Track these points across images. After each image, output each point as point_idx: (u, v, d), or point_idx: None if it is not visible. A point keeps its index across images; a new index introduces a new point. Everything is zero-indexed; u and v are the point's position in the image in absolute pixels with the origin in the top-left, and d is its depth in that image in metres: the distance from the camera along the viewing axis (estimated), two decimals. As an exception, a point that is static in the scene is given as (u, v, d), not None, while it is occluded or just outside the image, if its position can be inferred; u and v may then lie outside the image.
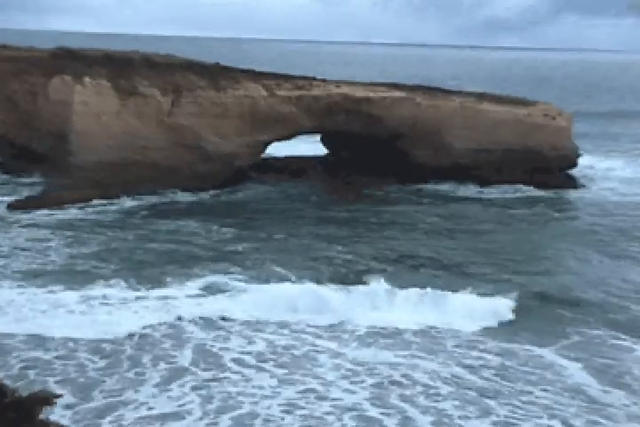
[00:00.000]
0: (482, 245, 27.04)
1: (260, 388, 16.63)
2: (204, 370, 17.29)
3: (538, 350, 18.77)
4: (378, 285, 21.74)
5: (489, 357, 18.44)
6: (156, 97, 32.89)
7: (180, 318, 19.92)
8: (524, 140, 37.87)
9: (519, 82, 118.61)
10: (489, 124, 37.78)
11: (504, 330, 19.88)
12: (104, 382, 16.69)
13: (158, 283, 22.09)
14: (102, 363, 17.52)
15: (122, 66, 33.20)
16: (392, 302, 21.00)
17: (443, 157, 37.63)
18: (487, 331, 19.81)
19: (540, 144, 37.96)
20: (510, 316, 20.56)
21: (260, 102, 34.92)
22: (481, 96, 40.03)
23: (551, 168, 38.03)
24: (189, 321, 19.87)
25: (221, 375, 17.05)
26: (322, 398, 16.30)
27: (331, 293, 21.44)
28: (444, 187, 37.26)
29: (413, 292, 21.36)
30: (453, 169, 37.57)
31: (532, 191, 37.00)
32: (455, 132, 37.46)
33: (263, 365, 17.71)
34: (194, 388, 16.55)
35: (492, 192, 36.78)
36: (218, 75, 35.39)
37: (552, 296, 22.13)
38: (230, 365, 17.63)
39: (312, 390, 16.56)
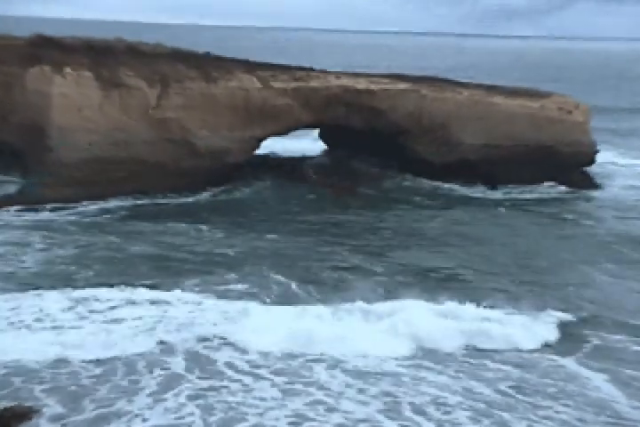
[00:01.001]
0: (490, 254, 26.69)
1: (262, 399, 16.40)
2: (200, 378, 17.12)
3: (559, 359, 18.68)
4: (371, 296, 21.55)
5: (506, 368, 18.26)
6: (142, 88, 32.77)
7: (162, 342, 18.73)
8: (537, 135, 37.79)
9: (532, 73, 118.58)
10: (499, 118, 37.73)
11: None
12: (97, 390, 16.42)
13: (145, 291, 21.67)
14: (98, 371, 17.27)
15: (105, 55, 33.01)
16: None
17: (449, 154, 37.55)
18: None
19: (555, 140, 37.92)
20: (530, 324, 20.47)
21: (253, 94, 34.85)
22: (491, 88, 39.98)
23: (567, 165, 38.00)
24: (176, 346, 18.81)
25: (219, 384, 16.85)
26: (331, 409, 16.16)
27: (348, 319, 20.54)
28: (450, 185, 37.18)
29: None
30: (461, 166, 37.48)
31: (545, 191, 36.97)
32: (463, 127, 37.39)
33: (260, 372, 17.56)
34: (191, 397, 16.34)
35: (502, 192, 36.68)
36: (208, 65, 35.26)
37: (570, 305, 21.93)
38: (227, 372, 17.44)
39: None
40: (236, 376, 17.40)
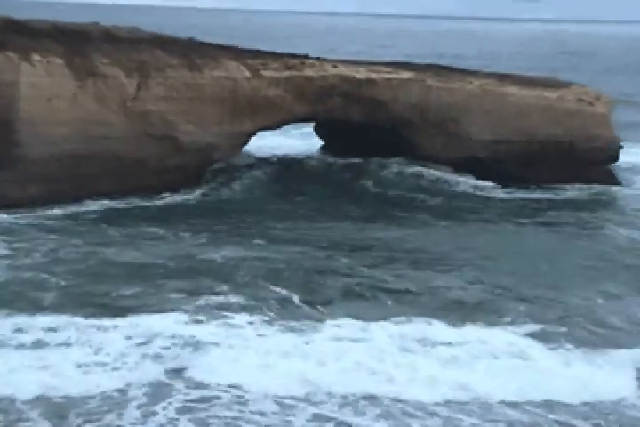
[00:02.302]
0: (498, 271, 25.65)
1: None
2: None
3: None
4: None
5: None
6: (119, 78, 32.60)
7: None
8: (554, 129, 37.67)
9: (549, 60, 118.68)
10: (513, 110, 37.58)
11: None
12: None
13: (121, 310, 20.94)
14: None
15: (78, 41, 32.74)
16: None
17: (457, 149, 37.47)
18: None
19: (574, 134, 37.83)
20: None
21: (242, 85, 34.67)
22: (503, 77, 39.83)
23: (587, 163, 37.91)
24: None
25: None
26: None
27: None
28: (455, 183, 37.06)
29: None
30: (469, 163, 37.43)
31: (563, 191, 36.85)
32: (472, 120, 37.27)
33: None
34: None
35: (515, 192, 36.50)
36: (192, 52, 35.10)
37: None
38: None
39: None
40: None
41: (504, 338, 19.93)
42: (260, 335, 19.73)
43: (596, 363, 18.89)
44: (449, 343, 19.48)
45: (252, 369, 17.95)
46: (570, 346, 19.78)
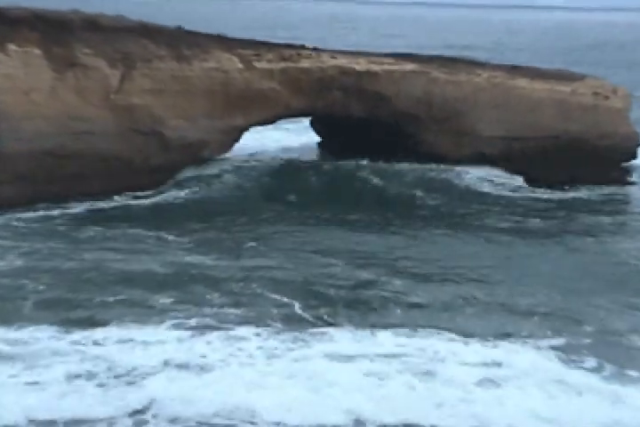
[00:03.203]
0: (505, 280, 25.28)
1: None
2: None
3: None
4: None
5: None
6: (102, 69, 32.55)
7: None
8: (567, 125, 37.67)
9: (563, 51, 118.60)
10: (523, 104, 37.57)
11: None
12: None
13: (102, 324, 20.49)
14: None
15: (57, 29, 32.61)
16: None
17: (464, 147, 37.46)
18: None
19: (588, 130, 37.84)
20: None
21: (234, 77, 34.67)
22: (514, 69, 39.78)
23: (603, 161, 37.84)
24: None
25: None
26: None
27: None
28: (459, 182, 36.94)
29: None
30: (477, 161, 37.37)
31: (577, 191, 36.82)
32: (480, 116, 37.28)
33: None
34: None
35: (522, 191, 36.48)
36: (181, 42, 35.05)
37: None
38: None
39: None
40: None
41: (529, 357, 19.41)
42: (268, 354, 19.05)
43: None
44: (473, 362, 18.94)
45: (266, 397, 17.15)
46: (599, 363, 19.38)
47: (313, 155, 41.41)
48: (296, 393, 17.35)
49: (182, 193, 33.75)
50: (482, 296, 23.70)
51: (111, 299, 22.24)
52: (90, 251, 26.32)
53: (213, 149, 35.03)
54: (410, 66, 37.60)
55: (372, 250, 27.71)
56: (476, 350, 19.71)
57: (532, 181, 37.30)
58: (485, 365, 18.93)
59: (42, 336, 19.66)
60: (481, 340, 20.29)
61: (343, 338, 20.10)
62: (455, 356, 19.29)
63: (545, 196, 36.16)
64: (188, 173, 35.02)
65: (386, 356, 19.12)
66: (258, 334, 20.06)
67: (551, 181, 37.33)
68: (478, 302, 23.40)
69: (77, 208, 31.10)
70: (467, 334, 20.58)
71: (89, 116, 32.30)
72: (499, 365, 18.94)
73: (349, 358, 18.96)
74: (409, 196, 34.99)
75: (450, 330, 20.83)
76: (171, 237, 28.10)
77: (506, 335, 20.71)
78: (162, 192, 33.45)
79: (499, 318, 22.14)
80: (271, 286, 23.56)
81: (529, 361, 19.17)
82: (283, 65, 35.80)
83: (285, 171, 38.02)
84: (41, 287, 22.90)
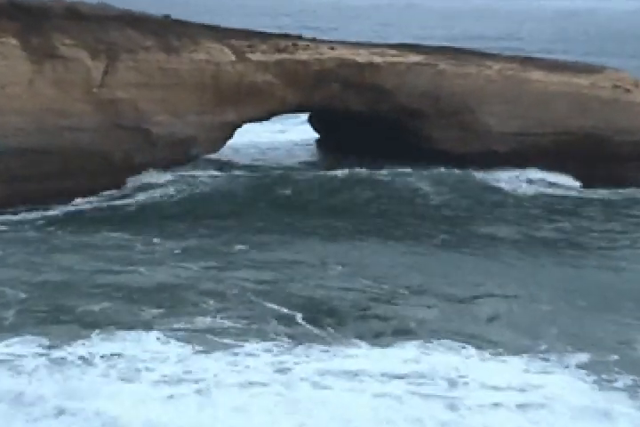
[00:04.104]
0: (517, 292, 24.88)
1: None
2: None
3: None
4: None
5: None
6: (84, 61, 32.52)
7: None
8: (585, 120, 37.56)
9: (581, 41, 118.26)
10: (537, 99, 37.44)
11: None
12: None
13: (86, 337, 20.05)
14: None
15: (36, 18, 32.62)
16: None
17: (472, 144, 37.33)
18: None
19: (608, 126, 37.68)
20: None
21: (226, 69, 34.64)
22: (527, 61, 39.72)
23: (623, 159, 37.73)
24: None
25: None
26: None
27: None
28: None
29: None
30: (488, 159, 37.18)
31: (595, 192, 36.57)
32: (491, 110, 37.19)
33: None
34: None
35: (540, 192, 36.20)
36: (169, 32, 35.05)
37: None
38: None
39: None
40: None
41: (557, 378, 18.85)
42: (274, 371, 18.41)
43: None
44: (498, 384, 18.25)
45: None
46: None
47: (311, 154, 41.49)
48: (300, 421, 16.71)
49: (166, 192, 33.59)
50: (493, 309, 23.45)
51: (96, 307, 22.03)
52: (70, 255, 26.26)
53: (203, 147, 34.91)
54: (415, 57, 37.60)
55: (376, 259, 27.46)
56: (500, 369, 19.10)
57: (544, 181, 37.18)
58: (511, 388, 18.24)
59: (24, 352, 19.16)
60: (501, 356, 19.88)
61: (353, 354, 19.63)
62: (475, 374, 18.70)
63: (558, 198, 35.97)
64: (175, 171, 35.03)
65: (401, 375, 18.52)
66: (267, 350, 19.55)
67: (564, 181, 37.34)
68: (489, 314, 23.16)
69: (56, 210, 31.04)
70: (484, 348, 20.23)
71: (70, 111, 32.22)
72: (524, 388, 18.29)
73: (361, 378, 18.34)
74: (412, 200, 34.64)
75: (465, 343, 20.45)
76: (157, 240, 27.99)
77: (524, 350, 20.34)
78: (146, 191, 33.36)
79: (514, 332, 21.76)
80: (266, 292, 23.36)
81: (557, 383, 18.63)
82: (278, 57, 35.78)
83: (279, 170, 37.89)
84: (22, 296, 22.73)
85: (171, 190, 33.78)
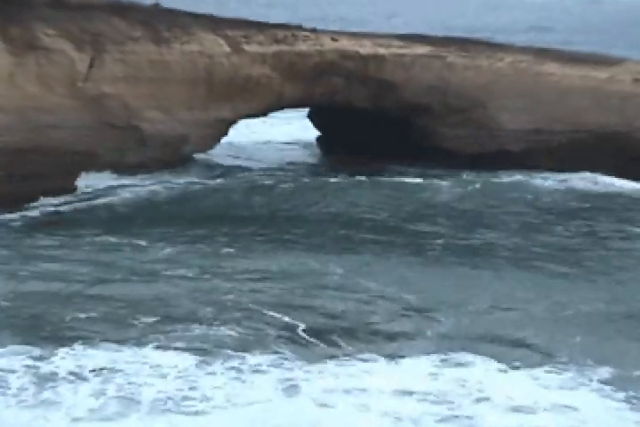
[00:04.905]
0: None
1: None
2: None
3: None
4: None
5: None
6: (68, 53, 32.43)
7: None
8: (604, 116, 37.64)
9: (600, 30, 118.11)
10: (553, 93, 37.60)
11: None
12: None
13: (73, 348, 19.54)
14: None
15: (15, 7, 32.42)
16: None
17: (485, 142, 37.41)
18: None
19: (629, 122, 37.83)
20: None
21: (220, 62, 34.71)
22: (542, 53, 39.85)
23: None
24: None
25: None
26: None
27: None
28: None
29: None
30: (500, 158, 37.24)
31: (617, 192, 36.37)
32: (504, 106, 37.32)
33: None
34: None
35: (559, 194, 35.98)
36: (159, 21, 35.02)
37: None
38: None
39: None
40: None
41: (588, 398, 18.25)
42: (282, 389, 17.92)
43: None
44: (517, 406, 17.53)
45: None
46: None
47: (310, 154, 41.60)
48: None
49: (152, 193, 33.55)
50: (510, 319, 23.08)
51: (83, 316, 21.64)
52: (53, 259, 25.98)
53: (196, 145, 35.07)
54: (422, 49, 37.71)
55: (381, 266, 27.11)
56: (522, 385, 18.65)
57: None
58: (539, 407, 17.67)
59: (8, 365, 18.63)
60: (520, 369, 19.49)
61: (363, 370, 19.10)
62: (496, 390, 18.15)
63: (578, 199, 35.68)
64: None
65: (414, 393, 17.98)
66: (272, 365, 19.09)
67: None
68: (506, 325, 22.71)
69: (36, 211, 30.89)
70: (502, 361, 19.80)
71: (52, 107, 32.17)
72: (553, 408, 17.72)
73: (372, 395, 17.82)
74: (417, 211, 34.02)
75: (482, 356, 20.02)
76: (143, 243, 27.74)
77: (544, 363, 20.02)
78: (131, 192, 33.33)
79: (532, 344, 21.40)
80: (264, 300, 23.10)
81: (586, 402, 18.14)
82: (276, 48, 35.86)
83: (274, 169, 37.82)
84: (3, 304, 22.28)
85: (153, 187, 33.88)
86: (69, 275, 24.90)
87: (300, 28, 38.06)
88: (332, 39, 37.11)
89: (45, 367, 18.56)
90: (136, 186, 33.74)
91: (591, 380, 19.16)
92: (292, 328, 21.48)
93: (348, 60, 36.46)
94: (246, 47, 35.40)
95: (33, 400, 17.08)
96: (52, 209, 31.30)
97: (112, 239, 28.23)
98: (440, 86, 37.30)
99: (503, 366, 19.47)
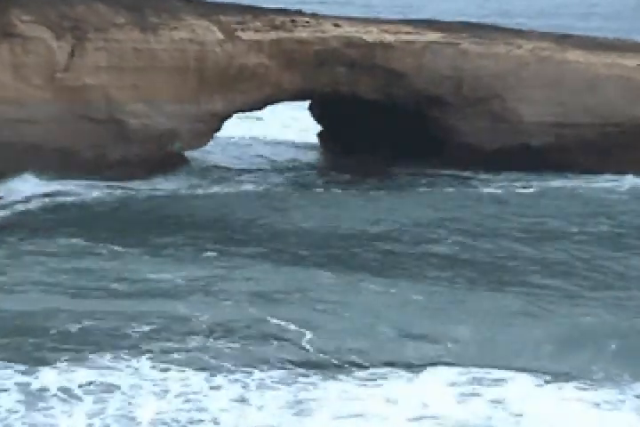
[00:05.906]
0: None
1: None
2: None
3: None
4: None
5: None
6: (46, 41, 32.66)
7: None
8: (633, 108, 37.37)
9: (629, 14, 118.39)
10: (577, 83, 37.44)
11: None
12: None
13: (59, 363, 19.39)
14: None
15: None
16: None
17: (504, 136, 37.16)
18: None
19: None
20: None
21: (212, 50, 34.74)
22: (564, 39, 39.62)
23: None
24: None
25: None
26: None
27: None
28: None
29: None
30: (521, 154, 37.00)
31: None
32: (524, 97, 37.12)
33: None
34: None
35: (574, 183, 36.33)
36: (144, 6, 35.16)
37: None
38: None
39: None
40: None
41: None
42: (296, 413, 17.65)
43: None
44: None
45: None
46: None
47: (309, 153, 41.59)
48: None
49: (133, 193, 33.57)
50: (537, 332, 22.80)
51: (72, 329, 21.46)
52: (27, 267, 25.88)
53: (186, 142, 35.09)
54: (433, 35, 37.54)
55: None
56: (560, 403, 18.54)
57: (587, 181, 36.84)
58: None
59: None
60: (552, 383, 19.47)
61: (378, 387, 19.00)
62: (533, 410, 18.04)
63: (602, 184, 36.39)
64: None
65: (439, 416, 17.84)
66: (279, 382, 19.04)
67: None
68: (534, 338, 22.49)
69: (9, 211, 31.05)
70: (534, 376, 19.76)
71: (29, 99, 32.56)
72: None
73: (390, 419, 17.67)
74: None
75: (512, 371, 19.93)
76: (120, 249, 27.67)
77: (577, 377, 19.96)
78: (113, 191, 33.41)
79: (563, 357, 21.38)
80: (265, 308, 23.07)
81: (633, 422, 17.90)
82: (274, 35, 35.85)
83: (271, 169, 38.09)
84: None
85: (127, 187, 33.84)
86: (48, 281, 24.80)
87: (299, 13, 38.10)
88: (335, 25, 37.03)
89: (36, 384, 18.42)
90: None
91: (631, 396, 18.99)
92: (296, 339, 21.46)
93: (352, 47, 36.36)
94: (241, 34, 35.41)
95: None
96: (27, 210, 31.43)
97: (83, 242, 28.12)
98: (453, 76, 37.14)
99: (535, 380, 19.49)
